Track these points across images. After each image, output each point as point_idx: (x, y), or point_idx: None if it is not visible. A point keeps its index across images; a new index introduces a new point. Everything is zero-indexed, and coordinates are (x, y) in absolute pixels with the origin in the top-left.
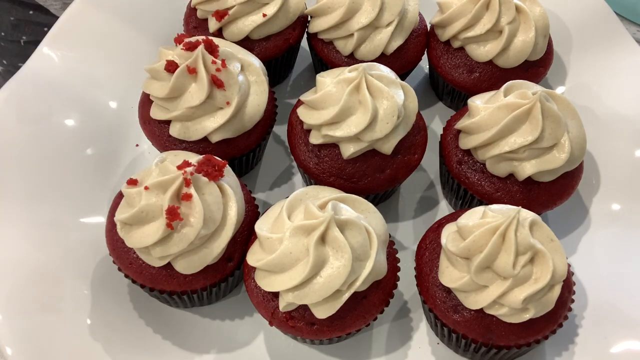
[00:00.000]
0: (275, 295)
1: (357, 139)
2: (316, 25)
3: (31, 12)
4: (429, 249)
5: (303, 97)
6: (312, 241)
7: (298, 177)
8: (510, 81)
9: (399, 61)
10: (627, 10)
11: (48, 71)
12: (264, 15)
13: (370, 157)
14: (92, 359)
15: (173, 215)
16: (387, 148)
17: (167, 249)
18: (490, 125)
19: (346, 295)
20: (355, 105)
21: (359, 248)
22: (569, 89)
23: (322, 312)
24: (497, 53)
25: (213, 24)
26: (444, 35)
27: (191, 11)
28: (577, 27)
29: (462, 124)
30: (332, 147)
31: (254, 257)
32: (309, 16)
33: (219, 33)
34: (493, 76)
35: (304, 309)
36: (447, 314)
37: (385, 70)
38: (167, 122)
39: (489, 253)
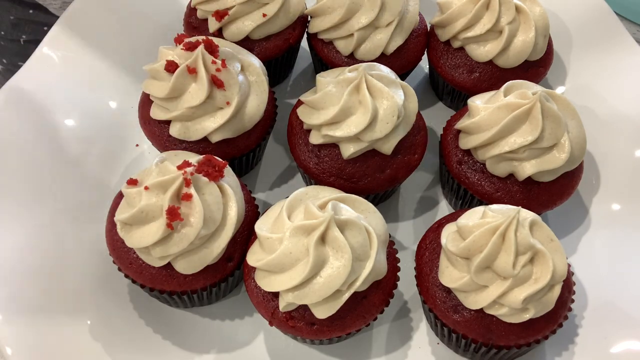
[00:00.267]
0: (275, 295)
1: (357, 139)
2: (316, 25)
3: (31, 11)
4: (429, 249)
5: (303, 97)
6: (312, 241)
7: (298, 177)
8: (510, 81)
9: (399, 61)
10: (627, 10)
11: (48, 71)
12: (264, 15)
13: (370, 157)
14: (92, 359)
15: (173, 215)
16: (387, 148)
17: (167, 249)
18: (490, 125)
19: (346, 295)
20: (355, 105)
21: (359, 248)
22: (569, 89)
23: (322, 312)
24: (497, 53)
25: (213, 24)
26: (444, 35)
27: (191, 11)
28: (577, 27)
29: (462, 124)
30: (332, 147)
31: (254, 257)
32: (309, 16)
33: (219, 33)
34: (493, 76)
35: (304, 309)
36: (447, 314)
37: (385, 70)
38: (167, 122)
39: (489, 253)
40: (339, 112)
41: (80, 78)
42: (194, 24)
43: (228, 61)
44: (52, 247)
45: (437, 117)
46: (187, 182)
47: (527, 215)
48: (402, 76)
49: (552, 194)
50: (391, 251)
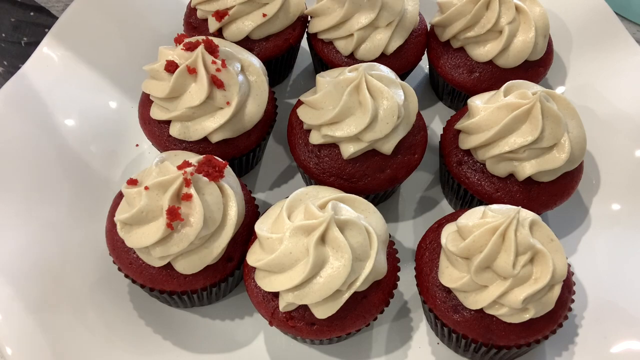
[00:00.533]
0: (275, 295)
1: (357, 139)
2: (316, 26)
3: (32, 14)
4: (429, 249)
5: (303, 97)
6: (312, 241)
7: (298, 177)
8: (510, 81)
9: (399, 61)
10: (627, 10)
11: (48, 71)
12: (264, 15)
13: (370, 157)
14: (92, 359)
15: (174, 215)
16: (387, 148)
17: (167, 249)
18: (490, 125)
19: (346, 295)
20: (355, 105)
21: (359, 248)
22: (569, 89)
23: (322, 312)
24: (497, 53)
25: (213, 24)
26: (444, 35)
27: (191, 11)
28: (577, 27)
29: (462, 124)
30: (332, 147)
31: (254, 257)
32: (309, 16)
33: (219, 33)
34: (493, 76)
35: (304, 309)
36: (447, 314)
37: (385, 70)
38: (167, 122)
39: (489, 253)
40: (339, 112)
41: (80, 78)
42: (194, 24)
43: (228, 61)
44: (52, 247)
45: (437, 117)
46: (187, 182)
47: (527, 215)
48: (402, 76)
49: (552, 194)
50: (391, 251)
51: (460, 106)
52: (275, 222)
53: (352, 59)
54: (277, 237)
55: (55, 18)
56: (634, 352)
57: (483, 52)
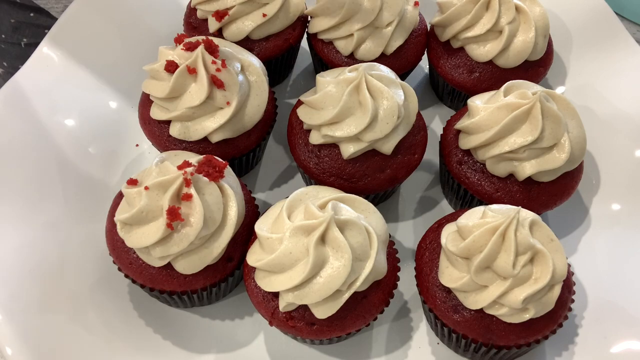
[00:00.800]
0: (275, 295)
1: (357, 139)
2: (316, 26)
3: (32, 14)
4: (429, 249)
5: (303, 97)
6: (312, 241)
7: (298, 177)
8: (510, 81)
9: (399, 61)
10: (627, 10)
11: (48, 71)
12: (264, 15)
13: (370, 157)
14: (92, 359)
15: (174, 215)
16: (387, 148)
17: (167, 249)
18: (490, 125)
19: (346, 295)
20: (355, 105)
21: (359, 248)
22: (569, 89)
23: (322, 312)
24: (497, 53)
25: (213, 24)
26: (444, 35)
27: (191, 11)
28: (577, 27)
29: (462, 124)
30: (332, 147)
31: (254, 257)
32: (309, 16)
33: (219, 33)
34: (493, 76)
35: (304, 309)
36: (447, 314)
37: (385, 70)
38: (167, 122)
39: (489, 253)
40: (339, 112)
41: (80, 78)
42: (194, 24)
43: (228, 61)
44: (52, 247)
45: (437, 117)
46: (187, 182)
47: (527, 215)
48: (402, 76)
49: (552, 194)
50: (391, 251)
51: (460, 106)
52: (275, 222)
53: (352, 59)
54: (277, 237)
55: (54, 19)
56: (634, 352)
57: (483, 52)
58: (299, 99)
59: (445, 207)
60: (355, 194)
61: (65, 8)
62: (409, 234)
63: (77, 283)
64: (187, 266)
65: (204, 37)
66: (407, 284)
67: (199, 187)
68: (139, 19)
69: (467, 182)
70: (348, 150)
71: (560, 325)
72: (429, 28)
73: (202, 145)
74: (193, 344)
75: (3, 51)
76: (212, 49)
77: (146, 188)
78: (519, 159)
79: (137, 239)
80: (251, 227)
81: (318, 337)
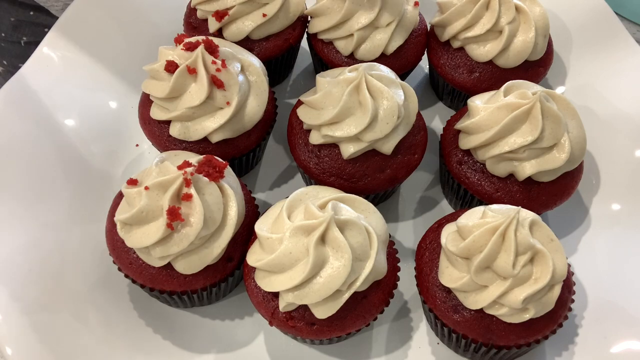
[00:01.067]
0: (275, 295)
1: (357, 139)
2: (316, 26)
3: (31, 13)
4: (429, 249)
5: (303, 97)
6: (312, 241)
7: (298, 177)
8: (510, 81)
9: (399, 61)
10: (627, 10)
11: (48, 71)
12: (264, 15)
13: (370, 157)
14: (92, 359)
15: (174, 215)
16: (387, 148)
17: (167, 249)
18: (490, 125)
19: (346, 295)
20: (355, 105)
21: (359, 248)
22: (569, 89)
23: (322, 312)
24: (497, 53)
25: (213, 24)
26: (444, 35)
27: (191, 11)
28: (577, 27)
29: (462, 124)
30: (332, 147)
31: (253, 257)
32: (309, 16)
33: (219, 33)
34: (493, 76)
35: (304, 309)
36: (447, 314)
37: (385, 70)
38: (167, 122)
39: (489, 253)
40: (339, 112)
41: (80, 78)
42: (194, 24)
43: (228, 61)
44: (52, 247)
45: (437, 117)
46: (187, 182)
47: (527, 215)
48: (402, 76)
49: (552, 194)
50: (391, 251)
51: (460, 106)
52: (275, 222)
53: (352, 59)
54: (277, 237)
55: (54, 17)
56: (634, 352)
57: (483, 52)
58: (299, 99)
59: (445, 207)
60: (355, 194)
61: (65, 6)
62: (409, 234)
63: (77, 283)
64: (187, 266)
65: (204, 37)
66: (407, 284)
67: (199, 187)
68: (139, 18)
69: (467, 182)
70: (348, 150)
71: (560, 325)
72: (429, 28)
73: (202, 145)
74: (193, 344)
75: (3, 50)
76: (212, 49)
77: (146, 188)
78: (519, 159)
79: (137, 239)
80: (251, 227)
81: (318, 337)
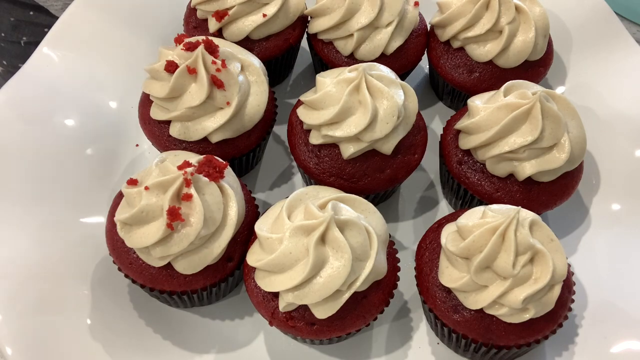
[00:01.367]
0: (275, 295)
1: (357, 139)
2: (316, 26)
3: (31, 13)
4: (429, 249)
5: (303, 97)
6: (312, 241)
7: (298, 177)
8: (510, 81)
9: (399, 61)
10: (627, 10)
11: (48, 71)
12: (264, 15)
13: (370, 157)
14: (91, 359)
15: (174, 215)
16: (387, 148)
17: (167, 249)
18: (490, 125)
19: (346, 295)
20: (355, 105)
21: (359, 248)
22: (569, 89)
23: (322, 312)
24: (497, 53)
25: (213, 24)
26: (443, 35)
27: (191, 11)
28: (577, 27)
29: (462, 124)
30: (332, 147)
31: (253, 257)
32: (309, 16)
33: (219, 33)
34: (493, 76)
35: (304, 309)
36: (447, 314)
37: (385, 70)
38: (167, 122)
39: (489, 253)
40: (339, 112)
41: (80, 78)
42: (194, 24)
43: (228, 61)
44: (52, 247)
45: (437, 117)
46: (187, 183)
47: (527, 215)
48: (402, 76)
49: (552, 194)
50: (391, 251)
51: (460, 106)
52: (275, 222)
53: (352, 59)
54: (277, 237)
55: (54, 17)
56: (634, 352)
57: (483, 52)
58: (299, 99)
59: (445, 207)
60: (355, 194)
61: (65, 6)
62: (409, 234)
63: (77, 283)
64: (187, 266)
65: (204, 37)
66: (407, 284)
67: (199, 187)
68: (139, 19)
69: (467, 182)
70: (348, 150)
71: (560, 325)
72: (429, 28)
73: (202, 145)
74: (193, 344)
75: (2, 50)
76: (212, 49)
77: (146, 188)
78: (519, 159)
79: (137, 239)
80: (251, 227)
81: (318, 337)
